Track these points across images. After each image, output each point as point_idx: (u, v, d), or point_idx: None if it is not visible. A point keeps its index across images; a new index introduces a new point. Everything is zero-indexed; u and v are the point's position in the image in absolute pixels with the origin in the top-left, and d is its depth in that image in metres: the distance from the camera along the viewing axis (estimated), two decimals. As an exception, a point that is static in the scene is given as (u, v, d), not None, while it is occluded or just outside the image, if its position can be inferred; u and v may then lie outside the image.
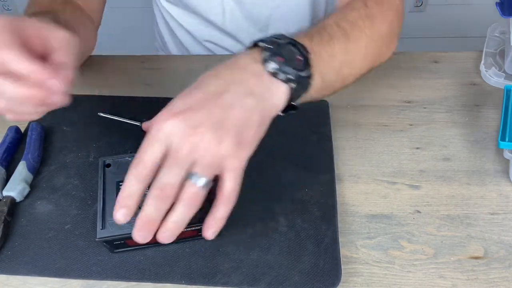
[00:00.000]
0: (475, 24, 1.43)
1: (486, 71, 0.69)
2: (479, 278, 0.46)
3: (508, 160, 0.56)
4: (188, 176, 0.38)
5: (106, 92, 0.67)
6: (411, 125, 0.63)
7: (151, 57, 0.76)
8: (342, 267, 0.47)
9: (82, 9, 0.65)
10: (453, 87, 0.68)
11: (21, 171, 0.54)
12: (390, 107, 0.65)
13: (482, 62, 0.70)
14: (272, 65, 0.41)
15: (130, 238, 0.39)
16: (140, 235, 0.39)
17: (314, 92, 0.46)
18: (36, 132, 0.59)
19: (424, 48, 1.25)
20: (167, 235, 0.40)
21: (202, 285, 0.46)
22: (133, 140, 0.58)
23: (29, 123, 0.63)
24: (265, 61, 0.42)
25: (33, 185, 0.55)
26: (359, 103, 0.66)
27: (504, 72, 0.68)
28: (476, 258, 0.48)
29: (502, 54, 0.72)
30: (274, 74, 0.41)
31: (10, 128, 0.61)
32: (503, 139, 0.55)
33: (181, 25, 0.85)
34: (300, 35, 0.47)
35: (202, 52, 0.87)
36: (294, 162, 0.57)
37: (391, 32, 0.57)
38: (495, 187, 0.54)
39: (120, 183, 0.48)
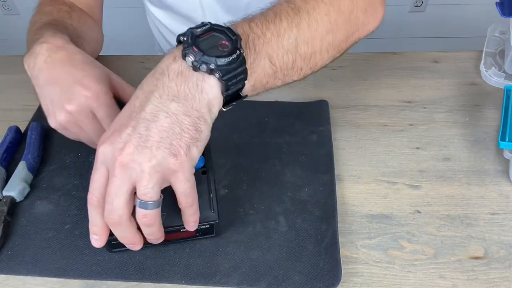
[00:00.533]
0: (475, 24, 1.43)
1: (486, 71, 0.69)
2: (479, 278, 0.46)
3: (508, 160, 0.56)
4: (135, 202, 0.39)
5: (106, 92, 0.67)
6: (411, 125, 0.63)
7: (151, 57, 0.76)
8: (342, 267, 0.47)
9: (85, 13, 0.65)
10: (453, 87, 0.68)
11: (21, 171, 0.54)
12: (390, 107, 0.65)
13: (482, 62, 0.70)
14: (190, 58, 0.38)
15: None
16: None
17: (266, 78, 0.44)
18: (36, 132, 0.59)
19: (424, 48, 1.25)
20: (153, 240, 0.43)
21: (202, 285, 0.46)
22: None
23: (29, 123, 0.63)
24: (184, 55, 0.39)
25: (33, 185, 0.55)
26: (359, 103, 0.66)
27: (504, 72, 0.68)
28: (476, 258, 0.48)
29: (502, 54, 0.72)
30: (194, 68, 0.39)
31: (10, 128, 0.61)
32: (503, 139, 0.55)
33: (166, 27, 0.85)
34: (239, 21, 0.44)
35: None
36: (294, 162, 0.57)
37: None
38: (495, 187, 0.54)
39: None
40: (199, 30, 0.40)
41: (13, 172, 0.54)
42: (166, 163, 0.37)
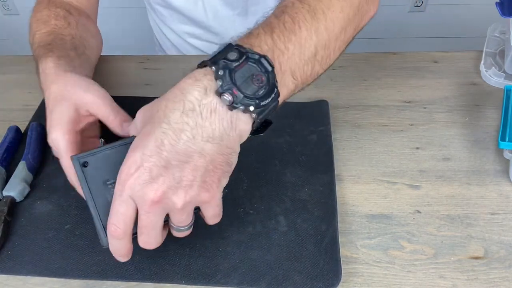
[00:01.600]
0: (475, 24, 1.43)
1: (486, 71, 0.69)
2: (479, 278, 0.46)
3: (508, 160, 0.56)
4: (170, 227, 0.42)
5: (106, 92, 0.67)
6: (411, 125, 0.63)
7: (151, 57, 0.76)
8: (342, 267, 0.47)
9: (81, 12, 0.65)
10: (453, 87, 0.68)
11: (21, 171, 0.54)
12: (390, 107, 0.65)
13: (482, 62, 0.70)
14: (228, 98, 0.36)
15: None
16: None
17: (288, 95, 0.43)
18: (36, 132, 0.59)
19: (424, 48, 1.25)
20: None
21: (202, 285, 0.46)
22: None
23: (29, 123, 0.63)
24: (219, 93, 0.36)
25: (33, 185, 0.55)
26: (359, 103, 0.66)
27: (504, 72, 0.68)
28: (476, 258, 0.48)
29: (502, 54, 0.72)
30: (230, 108, 0.37)
31: (10, 128, 0.61)
32: (503, 139, 0.55)
33: (165, 24, 0.86)
34: (259, 30, 0.41)
35: (190, 49, 0.88)
36: (294, 162, 0.57)
37: None
38: (495, 187, 0.54)
39: (108, 182, 0.42)
40: (234, 63, 0.37)
41: (13, 172, 0.54)
42: (199, 198, 0.38)
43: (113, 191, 0.39)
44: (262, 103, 0.37)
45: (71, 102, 0.48)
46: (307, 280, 0.46)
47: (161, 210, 0.38)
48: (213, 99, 0.37)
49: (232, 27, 0.82)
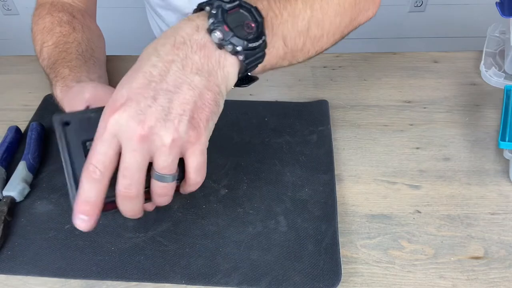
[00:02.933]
0: (475, 24, 1.43)
1: (486, 71, 0.69)
2: (479, 278, 0.46)
3: (508, 160, 0.56)
4: (152, 175, 0.38)
5: (106, 92, 0.67)
6: (411, 125, 0.63)
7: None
8: (342, 267, 0.47)
9: (84, 14, 0.65)
10: (453, 87, 0.68)
11: (21, 171, 0.54)
12: (390, 107, 0.65)
13: (482, 62, 0.70)
14: (218, 35, 0.37)
15: (110, 203, 0.38)
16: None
17: (276, 59, 0.43)
18: (36, 132, 0.59)
19: (424, 48, 1.25)
20: (158, 204, 0.41)
21: (202, 285, 0.46)
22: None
23: (29, 123, 0.63)
24: (210, 30, 0.38)
25: (33, 185, 0.55)
26: (359, 103, 0.66)
27: (504, 72, 0.68)
28: (476, 258, 0.48)
29: (502, 54, 0.72)
30: (220, 45, 0.38)
31: (10, 128, 0.61)
32: (503, 139, 0.55)
33: (165, 23, 0.85)
34: None
35: None
36: (294, 162, 0.57)
37: None
38: (495, 187, 0.54)
39: (87, 142, 0.40)
40: (228, 5, 0.38)
41: (13, 172, 0.54)
42: (187, 137, 0.36)
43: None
44: (250, 45, 0.38)
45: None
46: (307, 280, 0.46)
47: (147, 147, 0.36)
48: (204, 36, 0.38)
49: None
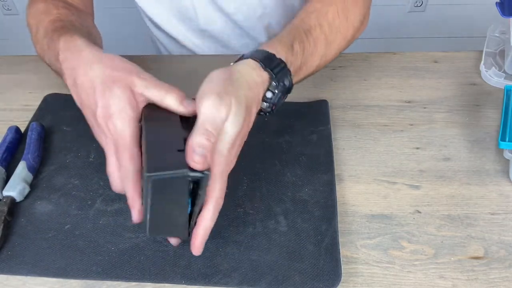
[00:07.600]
0: (475, 24, 1.43)
1: (486, 71, 0.69)
2: (479, 278, 0.46)
3: (508, 160, 0.56)
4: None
5: (106, 92, 0.67)
6: (411, 125, 0.63)
7: (151, 57, 0.76)
8: (342, 267, 0.47)
9: (80, 9, 0.65)
10: (453, 87, 0.68)
11: (21, 171, 0.54)
12: (390, 107, 0.65)
13: (482, 62, 0.70)
14: (270, 94, 0.47)
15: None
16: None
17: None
18: (36, 132, 0.59)
19: (424, 48, 1.25)
20: None
21: (202, 285, 0.46)
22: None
23: (29, 123, 0.63)
24: (268, 90, 0.47)
25: (33, 185, 0.55)
26: (359, 103, 0.66)
27: (504, 72, 0.68)
28: (476, 258, 0.48)
29: (502, 54, 0.72)
30: (265, 100, 0.47)
31: (10, 128, 0.61)
32: (503, 139, 0.55)
33: (158, 26, 0.84)
34: (287, 44, 0.50)
35: (185, 51, 0.87)
36: (294, 162, 0.57)
37: (363, 19, 0.61)
38: (495, 187, 0.54)
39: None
40: (284, 93, 0.49)
41: (13, 172, 0.54)
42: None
43: None
44: (279, 102, 0.49)
45: (126, 87, 0.43)
46: (307, 280, 0.46)
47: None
48: (262, 91, 0.47)
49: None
